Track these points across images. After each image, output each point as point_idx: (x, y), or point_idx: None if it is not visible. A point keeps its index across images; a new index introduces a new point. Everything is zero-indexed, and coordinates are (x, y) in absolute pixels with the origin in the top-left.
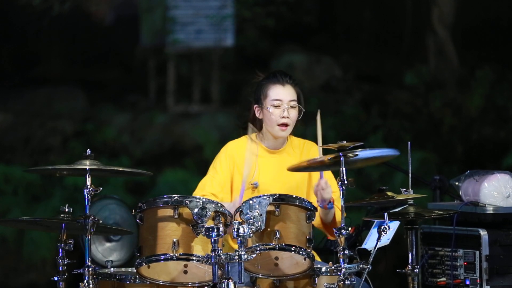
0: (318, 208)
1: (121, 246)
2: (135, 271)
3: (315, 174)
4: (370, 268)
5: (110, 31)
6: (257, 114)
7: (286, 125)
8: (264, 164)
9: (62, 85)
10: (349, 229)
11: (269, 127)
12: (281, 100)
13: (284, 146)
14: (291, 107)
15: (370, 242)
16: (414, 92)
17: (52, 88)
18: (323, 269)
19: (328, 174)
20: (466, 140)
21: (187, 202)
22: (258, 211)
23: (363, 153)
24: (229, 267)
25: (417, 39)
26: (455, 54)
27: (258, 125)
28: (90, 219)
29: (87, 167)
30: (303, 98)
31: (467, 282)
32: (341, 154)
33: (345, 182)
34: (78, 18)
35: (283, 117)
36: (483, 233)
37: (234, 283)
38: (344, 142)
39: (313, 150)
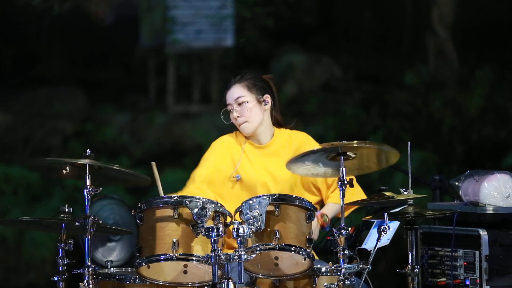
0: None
1: (121, 246)
2: (135, 271)
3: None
4: (370, 268)
5: (110, 31)
6: None
7: (241, 123)
8: (249, 158)
9: (62, 85)
10: (349, 229)
11: None
12: (229, 104)
13: (271, 141)
14: (238, 104)
15: (370, 242)
16: (414, 92)
17: (52, 88)
18: (323, 269)
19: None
20: (466, 140)
21: (187, 202)
22: (258, 211)
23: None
24: (229, 267)
25: (417, 39)
26: (455, 54)
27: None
28: (90, 219)
29: (87, 163)
30: (263, 85)
31: (467, 282)
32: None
33: (345, 182)
34: (78, 18)
35: (234, 118)
36: (483, 233)
37: (234, 283)
38: (344, 142)
39: (303, 140)
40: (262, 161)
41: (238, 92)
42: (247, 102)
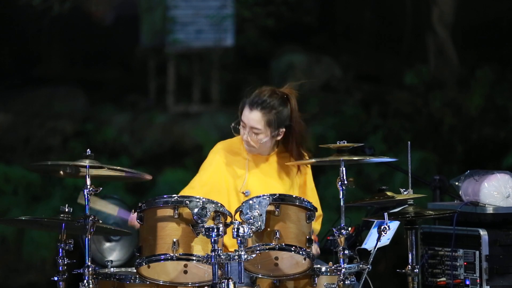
0: None
1: (121, 246)
2: (135, 271)
3: (307, 182)
4: (370, 268)
5: (110, 31)
6: None
7: (248, 145)
8: (254, 171)
9: (62, 85)
10: (349, 229)
11: None
12: (244, 123)
13: (272, 153)
14: (254, 133)
15: (370, 242)
16: (414, 92)
17: (52, 88)
18: (323, 269)
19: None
20: (466, 140)
21: (187, 202)
22: (258, 211)
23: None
24: (229, 267)
25: (417, 39)
26: (455, 54)
27: None
28: (90, 219)
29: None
30: (280, 122)
31: (467, 282)
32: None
33: (345, 182)
34: (78, 18)
35: (245, 140)
36: (483, 233)
37: (234, 283)
38: (345, 142)
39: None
40: (266, 171)
41: (256, 123)
42: (261, 136)
